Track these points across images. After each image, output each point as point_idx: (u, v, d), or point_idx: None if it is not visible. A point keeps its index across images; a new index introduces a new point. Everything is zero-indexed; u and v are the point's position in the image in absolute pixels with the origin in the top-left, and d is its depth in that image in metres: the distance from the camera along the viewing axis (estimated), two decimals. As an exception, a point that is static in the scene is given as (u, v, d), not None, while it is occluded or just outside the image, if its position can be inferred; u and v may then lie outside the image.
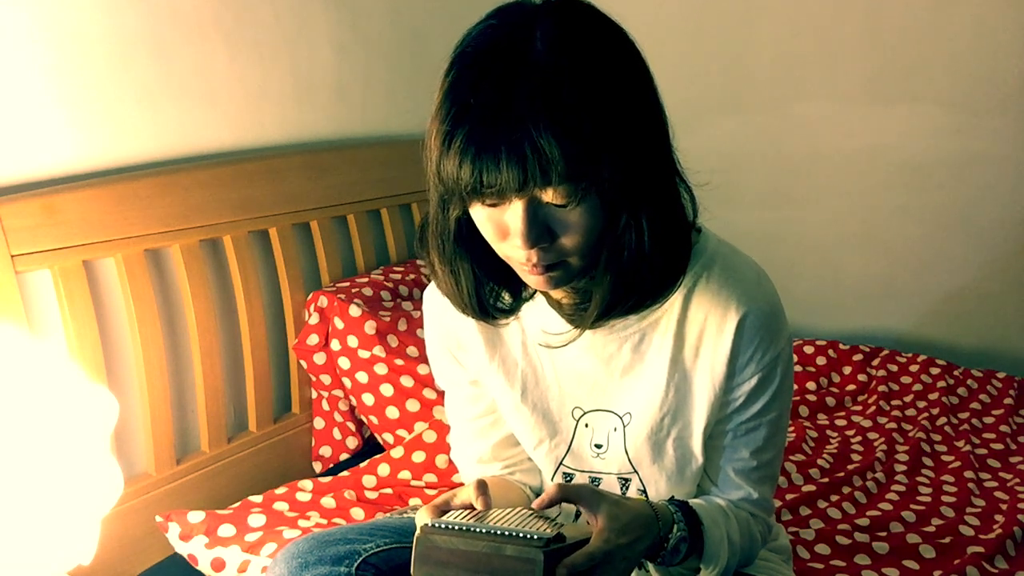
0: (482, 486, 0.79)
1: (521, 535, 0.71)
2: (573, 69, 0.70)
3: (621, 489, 0.96)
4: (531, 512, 0.78)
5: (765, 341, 0.86)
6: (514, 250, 0.77)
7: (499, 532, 0.72)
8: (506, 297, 0.89)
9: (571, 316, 0.88)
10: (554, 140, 0.69)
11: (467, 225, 0.81)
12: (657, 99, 0.78)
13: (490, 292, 0.87)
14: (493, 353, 0.95)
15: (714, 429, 0.91)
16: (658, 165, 0.79)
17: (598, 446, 0.94)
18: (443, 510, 0.80)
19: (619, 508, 0.78)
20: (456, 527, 0.73)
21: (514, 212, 0.74)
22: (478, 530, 0.72)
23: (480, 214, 0.77)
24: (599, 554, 0.74)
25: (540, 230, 0.75)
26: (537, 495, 1.03)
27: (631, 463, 0.93)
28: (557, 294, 0.89)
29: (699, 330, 0.87)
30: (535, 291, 0.90)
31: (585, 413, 0.94)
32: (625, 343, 0.89)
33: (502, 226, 0.76)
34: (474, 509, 0.78)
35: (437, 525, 0.74)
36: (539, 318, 0.92)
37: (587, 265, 0.80)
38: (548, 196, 0.73)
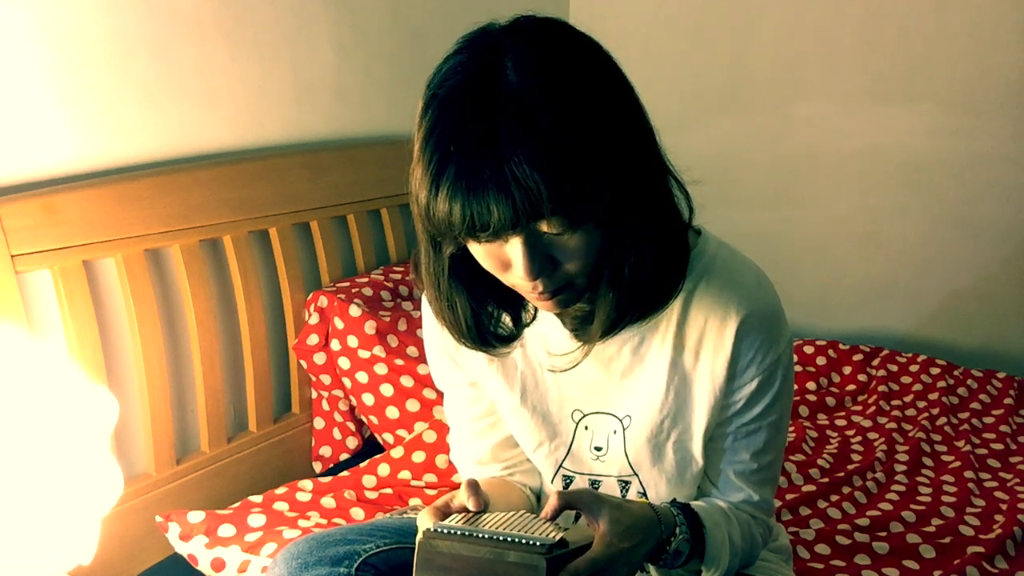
0: (474, 486, 0.79)
1: (524, 541, 0.70)
2: (549, 97, 0.69)
3: (621, 491, 0.96)
4: (533, 515, 0.78)
5: (765, 344, 0.86)
6: (518, 280, 0.77)
7: (502, 537, 0.71)
8: (507, 321, 0.88)
9: (575, 330, 0.87)
10: (539, 176, 0.67)
11: (462, 260, 0.80)
12: (639, 108, 0.77)
13: (489, 320, 0.86)
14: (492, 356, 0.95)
15: (714, 432, 0.91)
16: (649, 176, 0.78)
17: (598, 448, 0.94)
18: (444, 512, 0.80)
19: (621, 512, 0.77)
20: (458, 532, 0.73)
21: (514, 246, 0.73)
22: (481, 535, 0.72)
23: (479, 250, 0.76)
24: (602, 559, 0.73)
25: (542, 261, 0.74)
26: (537, 496, 1.04)
27: (631, 466, 0.93)
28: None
29: (699, 333, 0.87)
30: (535, 316, 0.90)
31: (585, 415, 0.94)
32: (624, 345, 0.89)
33: (503, 259, 0.76)
34: (475, 512, 0.78)
35: (439, 530, 0.73)
36: (541, 326, 0.92)
37: (593, 283, 0.80)
38: (544, 227, 0.72)
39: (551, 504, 0.77)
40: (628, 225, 0.76)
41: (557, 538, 0.71)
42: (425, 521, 0.78)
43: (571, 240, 0.74)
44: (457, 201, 0.69)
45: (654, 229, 0.77)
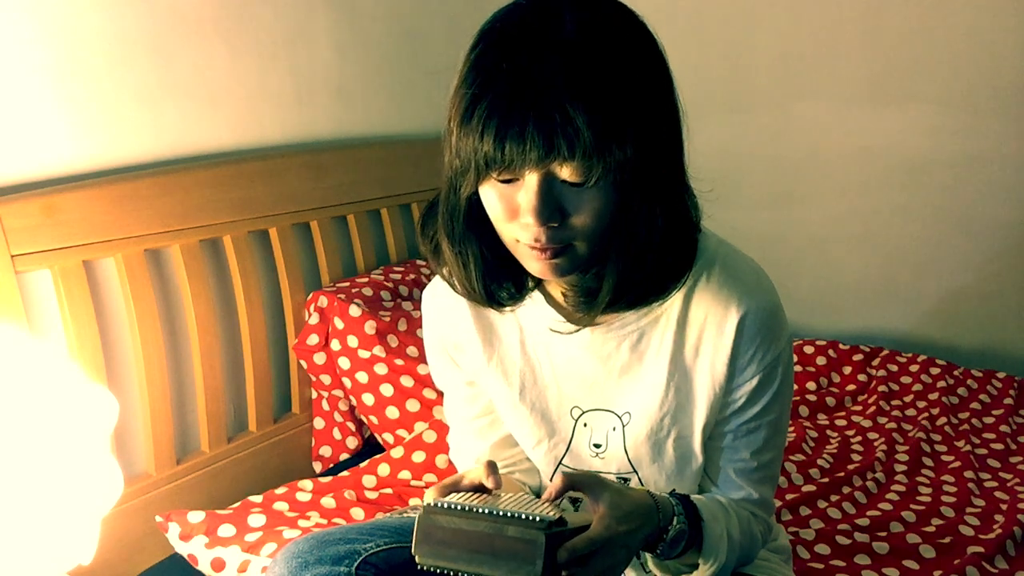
0: (492, 465, 0.79)
1: (524, 516, 0.71)
2: (601, 49, 0.71)
3: (620, 488, 0.95)
4: (534, 498, 0.79)
5: (765, 342, 0.86)
6: (522, 230, 0.77)
7: (502, 513, 0.72)
8: (510, 287, 0.89)
9: (576, 306, 0.87)
10: (583, 113, 0.69)
11: (477, 206, 0.81)
12: (675, 93, 0.79)
13: (494, 281, 0.87)
14: (491, 353, 0.95)
15: (713, 430, 0.91)
16: (673, 157, 0.79)
17: (597, 445, 0.94)
18: (450, 490, 0.80)
19: (621, 497, 0.78)
20: (458, 507, 0.73)
21: (528, 188, 0.74)
22: (480, 511, 0.73)
23: (491, 193, 0.77)
24: (600, 539, 0.74)
25: (552, 208, 0.74)
26: (537, 494, 1.04)
27: (630, 463, 0.93)
28: (558, 288, 0.89)
29: (699, 330, 0.87)
30: (537, 283, 0.90)
31: (584, 412, 0.94)
32: (623, 342, 0.89)
33: (513, 205, 0.76)
34: (481, 492, 0.79)
35: (439, 505, 0.74)
36: (539, 317, 0.92)
37: (592, 254, 0.79)
38: (565, 173, 0.73)
39: (555, 484, 0.78)
40: (645, 195, 0.76)
41: (556, 516, 0.72)
42: (430, 499, 0.78)
43: (586, 194, 0.74)
44: (492, 124, 0.70)
45: (669, 209, 0.78)
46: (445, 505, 0.74)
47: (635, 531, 0.77)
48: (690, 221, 0.83)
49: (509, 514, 0.71)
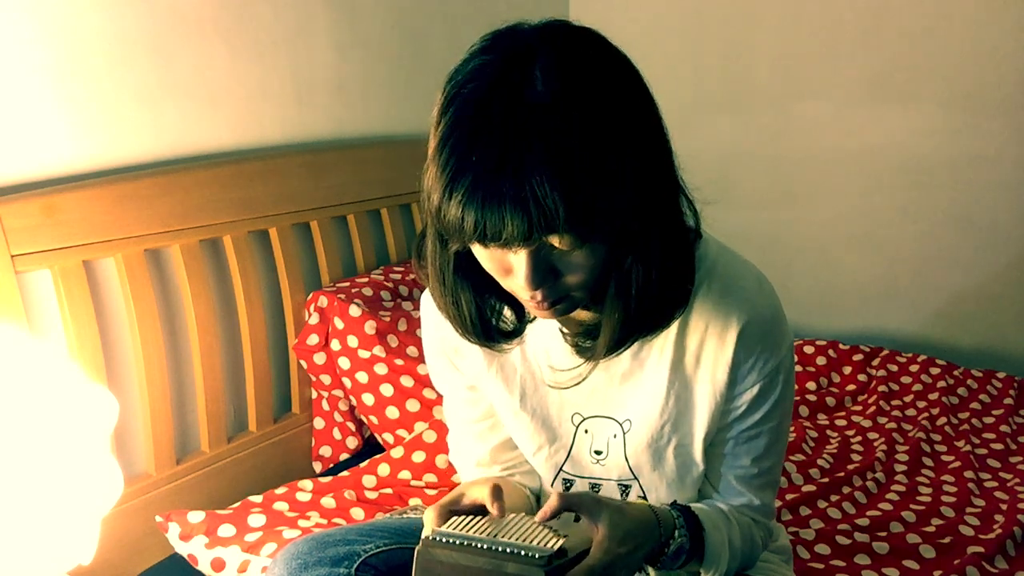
0: (497, 491, 0.78)
1: (522, 552, 0.71)
2: (576, 112, 0.67)
3: (621, 495, 0.95)
4: (533, 521, 0.78)
5: (767, 350, 0.86)
6: (519, 289, 0.76)
7: (500, 548, 0.71)
8: (509, 315, 0.88)
9: (577, 345, 0.87)
10: (559, 193, 0.66)
11: (467, 256, 0.80)
12: (661, 126, 0.76)
13: (491, 312, 0.86)
14: (492, 359, 0.95)
15: (715, 437, 0.91)
16: (664, 197, 0.77)
17: (598, 452, 0.94)
18: (451, 510, 0.80)
19: (621, 516, 0.77)
20: (457, 540, 0.73)
21: (518, 256, 0.73)
22: (480, 545, 0.72)
23: (482, 253, 0.75)
24: (599, 567, 0.73)
25: (544, 273, 0.74)
26: (537, 496, 1.03)
27: (631, 470, 0.93)
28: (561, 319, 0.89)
29: (700, 338, 0.87)
30: (535, 318, 0.90)
31: (584, 419, 0.94)
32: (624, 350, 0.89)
33: (505, 264, 0.75)
34: (481, 514, 0.78)
35: (437, 538, 0.74)
36: (542, 335, 0.91)
37: (591, 296, 0.79)
38: (554, 241, 0.71)
39: (551, 504, 0.77)
40: (639, 244, 0.75)
41: (556, 547, 0.71)
42: (431, 519, 0.78)
43: (577, 255, 0.73)
44: (471, 209, 0.68)
45: (664, 249, 0.77)
46: (443, 538, 0.73)
47: (635, 550, 0.77)
48: (688, 247, 0.82)
49: (509, 548, 0.71)
